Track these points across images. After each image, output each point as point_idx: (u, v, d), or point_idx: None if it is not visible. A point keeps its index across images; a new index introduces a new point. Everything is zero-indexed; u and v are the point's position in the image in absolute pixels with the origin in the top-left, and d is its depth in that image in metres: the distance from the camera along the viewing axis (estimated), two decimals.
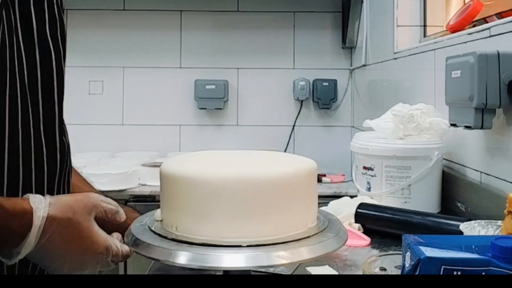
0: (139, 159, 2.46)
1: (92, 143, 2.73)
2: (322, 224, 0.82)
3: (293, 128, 2.83)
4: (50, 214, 0.71)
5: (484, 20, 1.45)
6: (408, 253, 0.65)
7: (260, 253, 0.72)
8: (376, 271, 0.78)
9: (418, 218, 1.15)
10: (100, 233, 0.76)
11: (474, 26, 1.42)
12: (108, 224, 0.81)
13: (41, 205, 0.71)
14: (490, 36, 1.18)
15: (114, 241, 0.78)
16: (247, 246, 0.72)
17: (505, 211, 0.81)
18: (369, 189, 1.40)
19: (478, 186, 1.24)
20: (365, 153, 1.40)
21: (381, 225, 1.19)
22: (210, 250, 0.72)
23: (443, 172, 1.39)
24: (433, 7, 1.93)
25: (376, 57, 2.29)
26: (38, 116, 0.81)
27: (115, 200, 0.84)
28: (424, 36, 1.95)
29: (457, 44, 1.36)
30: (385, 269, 0.78)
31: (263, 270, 0.91)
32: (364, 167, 1.41)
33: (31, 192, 0.77)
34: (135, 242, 0.77)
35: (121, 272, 2.00)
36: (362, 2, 2.48)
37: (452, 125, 1.23)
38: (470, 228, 0.90)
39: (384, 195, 1.35)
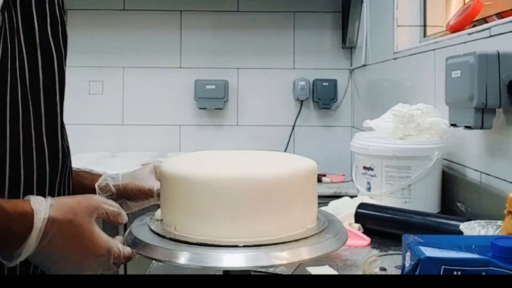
0: (139, 159, 2.46)
1: (92, 143, 2.73)
2: (322, 224, 0.82)
3: (293, 128, 2.83)
4: (51, 216, 0.70)
5: (484, 20, 1.45)
6: (408, 253, 0.65)
7: (260, 253, 0.72)
8: (376, 271, 0.78)
9: (418, 218, 1.15)
10: (101, 235, 0.76)
11: (474, 26, 1.42)
12: None
13: (42, 207, 0.70)
14: (490, 36, 1.18)
15: (116, 243, 0.77)
16: (247, 246, 0.72)
17: (505, 211, 0.81)
18: (369, 189, 1.40)
19: (478, 186, 1.24)
20: (365, 153, 1.40)
21: (381, 225, 1.19)
22: (210, 250, 0.72)
23: (443, 172, 1.39)
24: (433, 7, 1.93)
25: (376, 57, 2.29)
26: (40, 117, 0.81)
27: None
28: (424, 36, 1.95)
29: (457, 44, 1.36)
30: (385, 269, 0.78)
31: (263, 270, 0.91)
32: (364, 167, 1.41)
33: (32, 194, 0.77)
34: (134, 242, 0.77)
35: (121, 272, 2.00)
36: (362, 2, 2.48)
37: (452, 125, 1.23)
38: (470, 228, 0.90)
39: (384, 195, 1.35)
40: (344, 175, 2.42)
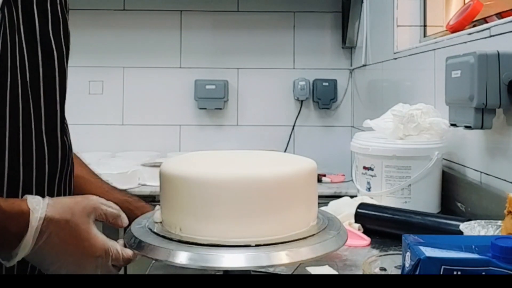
0: (139, 159, 2.46)
1: (92, 143, 2.73)
2: (322, 224, 0.82)
3: (293, 128, 2.83)
4: (47, 215, 0.70)
5: (484, 20, 1.45)
6: (408, 253, 0.65)
7: (260, 253, 0.71)
8: (376, 271, 0.78)
9: (418, 218, 1.15)
10: (98, 236, 0.75)
11: (474, 26, 1.42)
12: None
13: (38, 206, 0.70)
14: (490, 36, 1.18)
15: (114, 244, 0.76)
16: (247, 246, 0.72)
17: (505, 211, 0.81)
18: (369, 189, 1.40)
19: (478, 186, 1.24)
20: (365, 153, 1.40)
21: (381, 225, 1.19)
22: (210, 250, 0.72)
23: (443, 172, 1.39)
24: (433, 7, 1.93)
25: (376, 57, 2.29)
26: (40, 116, 0.81)
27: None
28: (424, 36, 1.95)
29: (457, 44, 1.36)
30: (385, 269, 0.78)
31: (263, 270, 0.91)
32: (364, 167, 1.41)
33: (31, 192, 0.77)
34: (139, 245, 0.76)
35: (121, 272, 2.00)
36: (362, 2, 2.48)
37: (452, 125, 1.23)
38: (470, 228, 0.90)
39: (384, 195, 1.35)
40: (344, 175, 2.42)
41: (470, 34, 1.28)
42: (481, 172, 1.25)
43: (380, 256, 0.82)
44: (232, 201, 0.74)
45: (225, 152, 0.93)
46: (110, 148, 2.75)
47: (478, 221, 0.92)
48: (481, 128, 1.11)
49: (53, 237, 0.71)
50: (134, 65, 2.81)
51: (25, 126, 0.77)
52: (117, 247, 0.77)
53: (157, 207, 0.84)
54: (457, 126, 1.20)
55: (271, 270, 0.94)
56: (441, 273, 0.60)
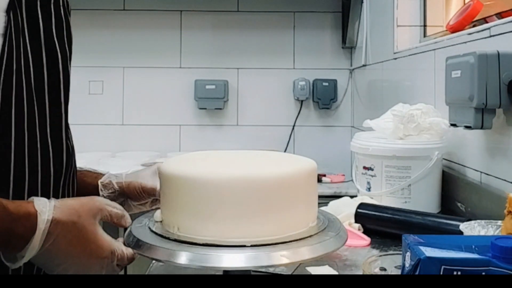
0: (139, 159, 2.46)
1: (92, 143, 2.73)
2: (322, 224, 0.82)
3: (293, 128, 2.83)
4: (54, 217, 0.70)
5: (484, 20, 1.45)
6: (408, 253, 0.65)
7: (260, 253, 0.71)
8: (376, 271, 0.78)
9: (418, 218, 1.15)
10: (105, 237, 0.76)
11: (474, 26, 1.42)
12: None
13: (45, 208, 0.70)
14: (490, 36, 1.18)
15: (119, 245, 0.77)
16: (247, 246, 0.72)
17: (505, 211, 0.81)
18: (369, 189, 1.40)
19: (478, 186, 1.24)
20: (365, 153, 1.40)
21: (381, 225, 1.19)
22: (210, 250, 0.72)
23: (443, 172, 1.39)
24: (433, 7, 1.93)
25: (376, 57, 2.29)
26: (45, 118, 0.81)
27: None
28: (424, 36, 1.95)
29: (457, 44, 1.36)
30: (385, 269, 0.78)
31: (263, 270, 0.91)
32: (364, 167, 1.41)
33: (37, 194, 0.76)
34: (137, 244, 0.77)
35: (121, 272, 2.00)
36: (362, 2, 2.48)
37: (452, 125, 1.23)
38: (470, 228, 0.90)
39: (384, 195, 1.35)
40: (344, 175, 2.42)
41: (470, 34, 1.28)
42: (481, 172, 1.25)
43: (380, 256, 0.82)
44: (232, 201, 0.74)
45: (225, 152, 0.93)
46: (110, 148, 2.75)
47: (478, 221, 0.92)
48: (481, 128, 1.11)
49: (60, 239, 0.71)
50: (134, 65, 2.81)
51: (30, 129, 0.77)
52: (122, 247, 0.77)
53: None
54: (457, 126, 1.20)
55: (271, 270, 0.94)
56: (441, 273, 0.60)
